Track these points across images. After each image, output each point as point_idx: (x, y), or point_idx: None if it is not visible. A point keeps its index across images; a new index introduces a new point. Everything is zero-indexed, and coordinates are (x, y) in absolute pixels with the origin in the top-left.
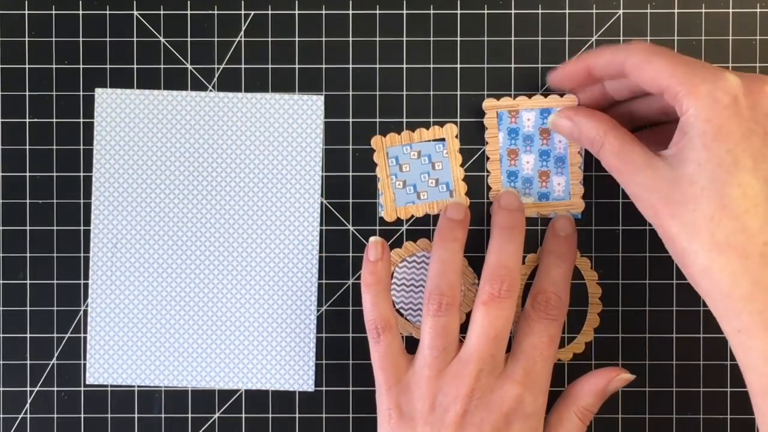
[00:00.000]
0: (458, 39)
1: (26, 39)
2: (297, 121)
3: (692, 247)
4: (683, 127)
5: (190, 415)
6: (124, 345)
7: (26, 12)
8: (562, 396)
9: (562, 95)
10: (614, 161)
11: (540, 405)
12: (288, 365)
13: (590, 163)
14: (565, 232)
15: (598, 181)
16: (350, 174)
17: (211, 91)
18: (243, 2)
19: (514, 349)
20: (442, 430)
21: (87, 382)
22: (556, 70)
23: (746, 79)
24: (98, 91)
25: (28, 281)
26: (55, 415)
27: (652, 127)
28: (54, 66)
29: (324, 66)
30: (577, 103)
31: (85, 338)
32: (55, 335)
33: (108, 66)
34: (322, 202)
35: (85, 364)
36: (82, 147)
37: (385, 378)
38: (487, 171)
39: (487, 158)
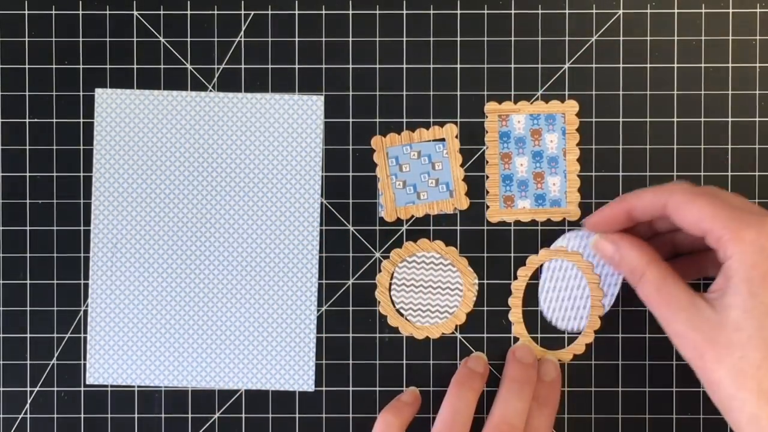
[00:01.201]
0: (458, 39)
1: (26, 39)
2: (297, 121)
3: (739, 395)
4: (726, 271)
5: (190, 415)
6: (124, 345)
7: (26, 12)
8: None
9: (563, 101)
10: (654, 295)
11: None
12: (288, 365)
13: (590, 163)
14: (550, 376)
15: (598, 181)
16: (350, 174)
17: (211, 91)
18: (243, 2)
19: None
20: None
21: (87, 382)
22: (593, 216)
23: None
24: (98, 91)
25: (28, 281)
26: (55, 415)
27: (693, 254)
28: (54, 66)
29: (324, 66)
30: (578, 108)
31: (85, 338)
32: (55, 335)
33: (108, 66)
34: (322, 202)
35: (85, 364)
36: (82, 147)
37: None
38: (487, 175)
39: (487, 162)
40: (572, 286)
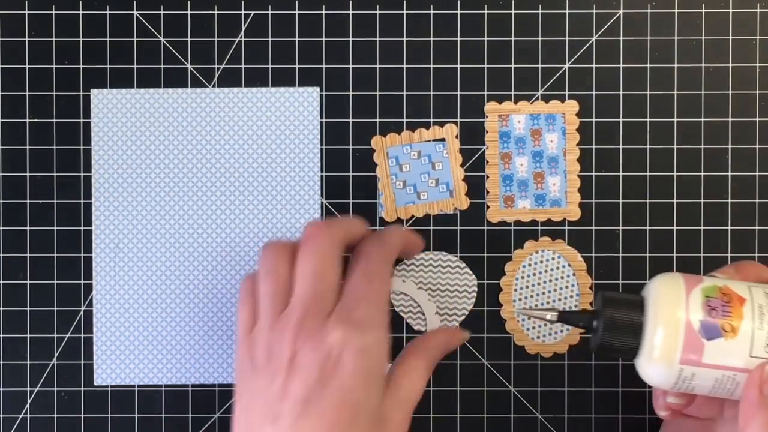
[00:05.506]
0: (458, 39)
1: (26, 39)
2: (294, 113)
3: None
4: None
5: (190, 415)
6: (130, 345)
7: (26, 12)
8: (410, 348)
9: (563, 101)
10: None
11: (372, 340)
12: None
13: (590, 163)
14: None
15: (598, 181)
16: (350, 174)
17: (206, 87)
18: (243, 2)
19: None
20: (276, 376)
21: (95, 383)
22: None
23: None
24: (94, 92)
25: (28, 281)
26: (55, 415)
27: None
28: (54, 66)
29: (324, 66)
30: (578, 108)
31: (85, 338)
32: (55, 335)
33: (108, 66)
34: (322, 202)
35: (85, 365)
36: (81, 147)
37: (239, 330)
38: (487, 175)
39: (487, 162)
40: (554, 277)
